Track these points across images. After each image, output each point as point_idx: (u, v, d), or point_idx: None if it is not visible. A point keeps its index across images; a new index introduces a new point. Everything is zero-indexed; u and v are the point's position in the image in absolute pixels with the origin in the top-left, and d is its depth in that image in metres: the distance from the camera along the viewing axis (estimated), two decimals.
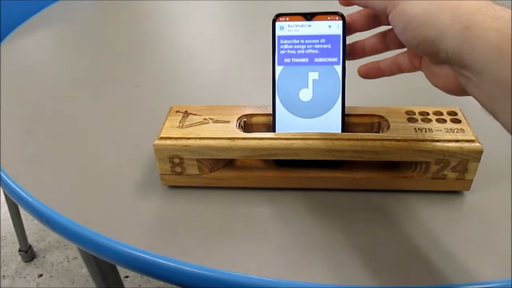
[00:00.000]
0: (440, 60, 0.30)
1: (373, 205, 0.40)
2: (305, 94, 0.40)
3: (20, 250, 1.17)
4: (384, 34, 0.37)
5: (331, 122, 0.40)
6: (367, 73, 0.39)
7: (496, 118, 0.27)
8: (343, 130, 0.40)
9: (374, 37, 0.38)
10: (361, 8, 0.36)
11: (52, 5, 0.92)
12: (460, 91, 0.30)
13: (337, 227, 0.38)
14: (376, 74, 0.38)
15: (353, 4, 0.35)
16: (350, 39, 0.39)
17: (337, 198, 0.41)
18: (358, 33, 0.39)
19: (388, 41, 0.37)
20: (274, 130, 0.40)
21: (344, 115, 0.40)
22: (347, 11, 0.38)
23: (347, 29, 0.38)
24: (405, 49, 0.36)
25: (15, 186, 0.43)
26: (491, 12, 0.26)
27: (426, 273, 0.34)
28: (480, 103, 0.28)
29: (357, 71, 0.39)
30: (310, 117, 0.40)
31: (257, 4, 0.88)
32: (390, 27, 0.35)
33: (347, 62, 0.39)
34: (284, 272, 0.34)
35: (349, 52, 0.39)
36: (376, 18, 0.37)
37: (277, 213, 0.39)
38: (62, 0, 0.94)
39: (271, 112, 0.40)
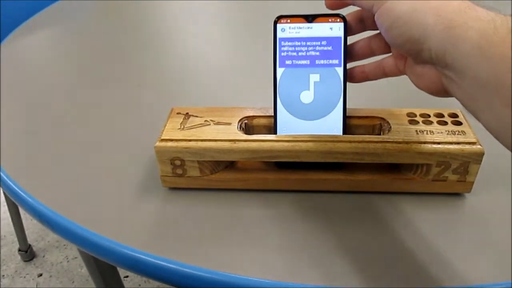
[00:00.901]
0: (423, 59, 0.30)
1: (374, 207, 0.40)
2: (307, 96, 0.39)
3: (19, 250, 1.17)
4: (370, 39, 0.38)
5: (332, 124, 0.40)
6: (352, 77, 0.39)
7: (478, 118, 0.28)
8: (344, 132, 0.40)
9: (362, 41, 0.38)
10: (349, 12, 0.37)
11: (53, 5, 0.92)
12: (443, 91, 0.31)
13: (338, 230, 0.38)
14: (361, 78, 0.39)
15: (338, 7, 0.35)
16: None
17: (338, 200, 0.41)
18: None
19: (373, 45, 0.37)
20: (275, 132, 0.40)
21: (345, 117, 0.40)
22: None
23: None
24: (390, 54, 0.37)
25: (15, 187, 0.43)
26: (474, 13, 0.27)
27: (426, 275, 0.34)
28: (462, 103, 0.29)
29: None
30: (311, 119, 0.40)
31: (258, 6, 0.88)
32: (376, 31, 0.35)
33: None
34: (284, 274, 0.34)
35: None
36: (361, 22, 0.37)
37: (278, 215, 0.39)
38: (63, 0, 0.94)
39: (272, 114, 0.40)
